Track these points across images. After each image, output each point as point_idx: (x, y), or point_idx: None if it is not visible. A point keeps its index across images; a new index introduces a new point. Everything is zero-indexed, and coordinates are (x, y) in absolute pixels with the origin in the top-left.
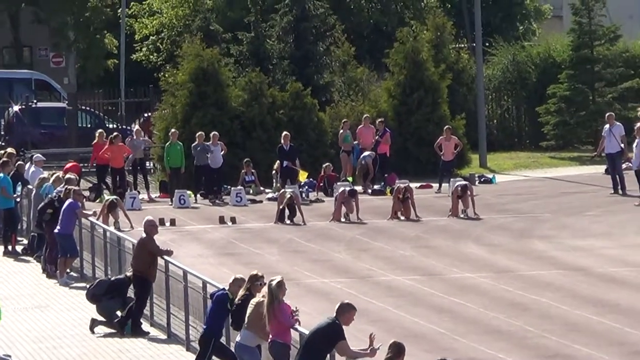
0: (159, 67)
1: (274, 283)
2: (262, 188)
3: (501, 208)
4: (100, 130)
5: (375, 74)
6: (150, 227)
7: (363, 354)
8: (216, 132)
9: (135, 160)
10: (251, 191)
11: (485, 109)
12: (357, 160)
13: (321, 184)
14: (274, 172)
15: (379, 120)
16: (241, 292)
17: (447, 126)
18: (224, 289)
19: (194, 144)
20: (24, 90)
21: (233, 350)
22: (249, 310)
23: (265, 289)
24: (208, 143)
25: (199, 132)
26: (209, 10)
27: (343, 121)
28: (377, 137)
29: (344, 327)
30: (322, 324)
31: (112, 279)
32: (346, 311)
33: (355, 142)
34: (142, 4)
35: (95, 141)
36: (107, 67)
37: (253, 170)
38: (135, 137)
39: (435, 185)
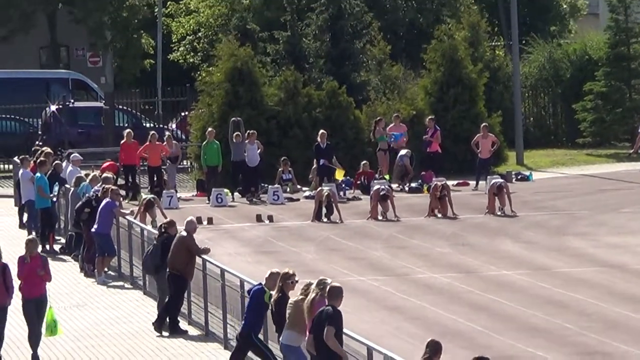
0: (195, 67)
1: (329, 280)
2: (299, 186)
3: (538, 205)
4: (128, 130)
5: (411, 72)
6: (191, 226)
7: (341, 352)
8: (254, 131)
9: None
10: (288, 189)
11: (522, 107)
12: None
13: (358, 182)
14: (310, 177)
15: (429, 118)
16: (275, 294)
17: (484, 124)
18: (260, 283)
19: (232, 142)
20: (61, 90)
21: (278, 349)
22: (288, 310)
23: (303, 285)
24: (246, 141)
25: (236, 132)
26: (245, 10)
27: (376, 119)
28: (428, 137)
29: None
30: (321, 317)
31: (157, 242)
32: (340, 295)
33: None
34: (179, 4)
35: (123, 141)
36: (144, 67)
37: (290, 169)
38: (166, 144)
39: (472, 183)
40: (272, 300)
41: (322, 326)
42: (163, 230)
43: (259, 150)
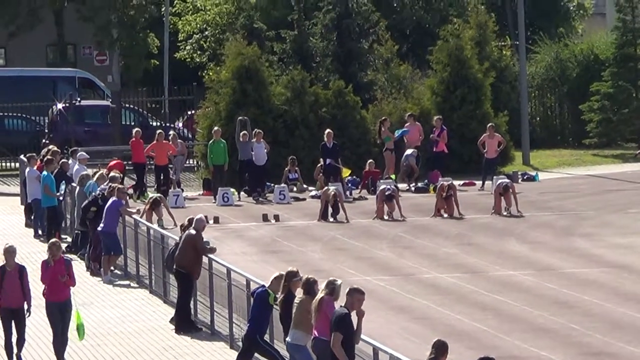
0: (202, 66)
1: (339, 281)
2: (305, 186)
3: (544, 205)
4: (137, 129)
5: (418, 71)
6: (200, 224)
7: (342, 357)
8: (260, 130)
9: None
10: (295, 189)
11: (528, 107)
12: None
13: (365, 182)
14: (318, 173)
15: (437, 117)
16: (281, 294)
17: (490, 124)
18: (263, 285)
19: (238, 141)
20: (68, 89)
21: (285, 349)
22: (294, 309)
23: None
24: (252, 140)
25: (243, 131)
26: (252, 8)
27: (382, 119)
28: (435, 136)
29: (352, 312)
30: (334, 319)
31: (173, 247)
32: (350, 295)
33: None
34: (186, 2)
35: (133, 139)
36: (148, 67)
37: (297, 168)
38: (172, 143)
39: (478, 183)
40: (279, 300)
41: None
42: (184, 229)
43: (266, 149)
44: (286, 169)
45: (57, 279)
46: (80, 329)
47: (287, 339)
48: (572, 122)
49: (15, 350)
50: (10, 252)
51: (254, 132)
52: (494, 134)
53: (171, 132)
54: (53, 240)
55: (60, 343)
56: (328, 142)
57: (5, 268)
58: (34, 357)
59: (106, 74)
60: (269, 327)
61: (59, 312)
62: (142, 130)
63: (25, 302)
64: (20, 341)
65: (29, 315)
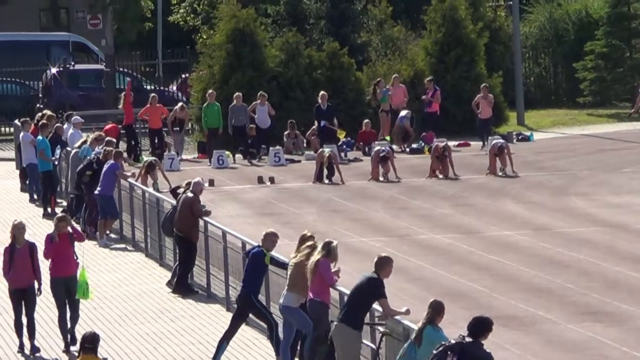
0: (196, 29)
1: (335, 243)
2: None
3: (539, 165)
4: (123, 93)
5: (412, 32)
6: (197, 187)
7: (399, 313)
8: (264, 93)
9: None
10: (300, 152)
11: (523, 67)
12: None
13: (360, 143)
14: (312, 135)
15: (428, 79)
16: (296, 255)
17: (484, 84)
18: (259, 245)
19: (231, 105)
20: (62, 53)
21: (278, 310)
22: (288, 271)
23: (305, 247)
24: (257, 102)
25: (237, 93)
26: None
27: (376, 81)
28: (428, 97)
29: (384, 280)
30: (364, 281)
31: (171, 210)
32: (386, 264)
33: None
34: None
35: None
36: (142, 30)
37: (297, 132)
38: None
39: (473, 144)
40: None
41: (361, 292)
42: (182, 193)
43: (271, 113)
44: (285, 132)
45: (62, 254)
46: (82, 287)
47: (280, 301)
48: (566, 82)
49: (26, 336)
50: (19, 228)
51: (258, 94)
52: (488, 95)
53: (179, 104)
54: (60, 215)
55: (66, 319)
56: (322, 104)
57: (15, 245)
58: (42, 336)
59: (100, 37)
60: (265, 289)
61: (65, 288)
62: (135, 94)
63: (36, 281)
64: (31, 327)
65: (39, 295)
